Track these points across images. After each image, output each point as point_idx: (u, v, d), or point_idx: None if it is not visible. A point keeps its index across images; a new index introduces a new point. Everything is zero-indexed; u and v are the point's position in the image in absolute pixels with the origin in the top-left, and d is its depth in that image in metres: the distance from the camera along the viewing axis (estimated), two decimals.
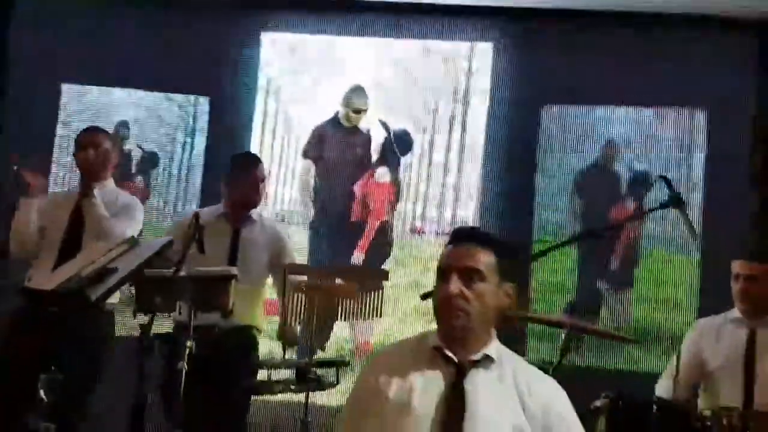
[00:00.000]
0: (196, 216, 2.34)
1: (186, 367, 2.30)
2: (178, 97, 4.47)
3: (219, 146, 4.21)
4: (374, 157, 4.55)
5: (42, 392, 2.26)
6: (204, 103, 4.41)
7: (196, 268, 2.39)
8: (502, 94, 4.30)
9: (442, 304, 1.59)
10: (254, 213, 3.07)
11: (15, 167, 2.75)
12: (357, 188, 4.51)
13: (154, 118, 4.48)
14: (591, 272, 4.00)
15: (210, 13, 4.25)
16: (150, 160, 4.52)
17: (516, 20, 4.24)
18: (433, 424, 1.52)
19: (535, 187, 4.13)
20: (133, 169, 4.54)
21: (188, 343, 2.36)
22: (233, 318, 2.63)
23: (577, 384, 1.88)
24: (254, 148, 4.33)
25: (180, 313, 2.46)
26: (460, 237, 1.67)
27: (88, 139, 2.91)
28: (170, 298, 2.35)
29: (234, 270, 2.45)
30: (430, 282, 1.81)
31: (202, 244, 2.31)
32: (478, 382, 1.58)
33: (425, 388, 1.56)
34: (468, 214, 4.43)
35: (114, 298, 2.70)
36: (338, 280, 2.89)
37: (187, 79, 4.30)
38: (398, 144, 4.53)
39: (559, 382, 1.67)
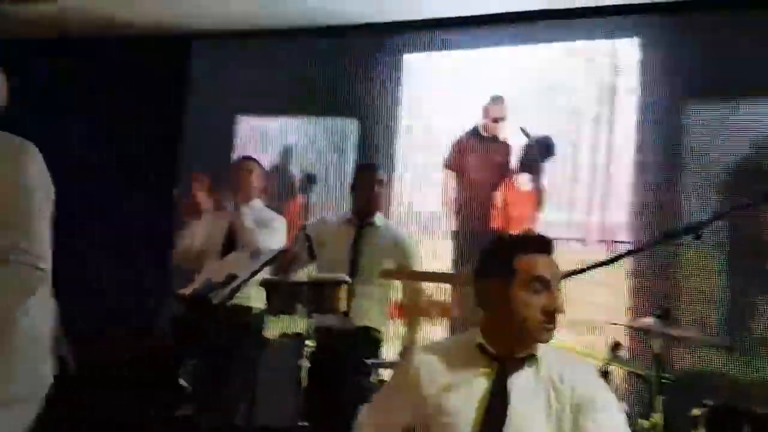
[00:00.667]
0: (303, 227, 2.62)
1: (307, 364, 2.58)
2: (331, 120, 4.85)
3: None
4: (515, 165, 4.59)
5: (182, 380, 2.68)
6: (353, 123, 4.75)
7: (315, 273, 2.68)
8: (650, 92, 4.11)
9: (545, 314, 1.62)
10: (378, 218, 3.26)
11: (177, 192, 3.25)
12: (498, 197, 4.56)
13: (312, 141, 4.91)
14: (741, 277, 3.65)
15: (356, 39, 4.58)
16: (309, 180, 4.95)
17: (661, 13, 4.04)
18: (474, 422, 1.58)
19: (683, 187, 3.89)
20: (296, 189, 4.99)
21: (308, 342, 2.64)
22: (352, 320, 2.87)
23: (678, 390, 1.83)
24: (399, 163, 4.57)
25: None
26: (544, 245, 1.71)
27: (240, 166, 3.42)
28: (291, 301, 2.65)
29: (345, 276, 2.70)
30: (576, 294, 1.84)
31: (312, 252, 2.59)
32: (520, 381, 1.62)
33: (467, 386, 1.63)
34: (617, 218, 4.26)
35: (260, 302, 3.05)
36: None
37: (338, 102, 4.66)
38: (540, 150, 4.50)
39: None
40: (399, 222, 4.32)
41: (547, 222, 4.32)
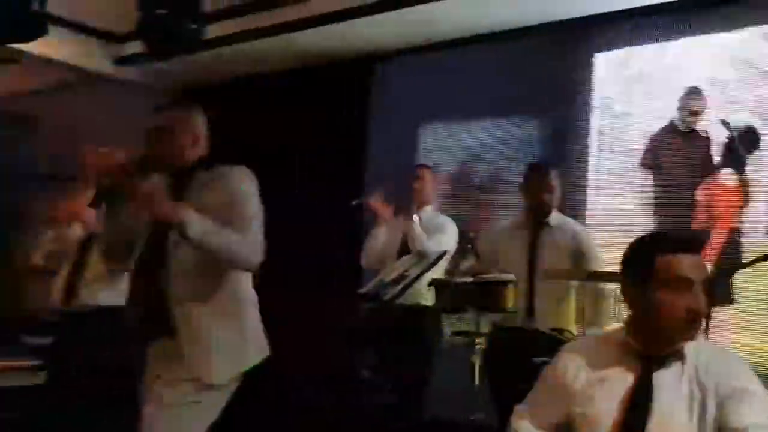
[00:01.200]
0: (467, 231, 2.77)
1: (478, 361, 2.73)
2: (521, 121, 4.82)
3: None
4: (717, 159, 4.24)
5: (364, 372, 2.96)
6: (543, 125, 4.70)
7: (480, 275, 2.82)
8: None
9: (687, 315, 1.60)
10: (553, 218, 3.22)
11: (359, 201, 3.57)
12: (700, 194, 4.25)
13: (501, 144, 4.91)
14: None
15: (545, 40, 4.52)
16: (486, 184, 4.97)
17: None
18: (618, 417, 1.60)
19: None
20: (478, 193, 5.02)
21: (478, 340, 2.78)
22: (533, 320, 2.93)
23: None
24: (592, 164, 4.44)
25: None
26: (690, 244, 1.70)
27: (412, 174, 3.66)
28: (459, 300, 2.81)
29: (511, 276, 2.78)
30: None
31: (476, 253, 2.72)
32: (665, 377, 1.61)
33: (612, 382, 1.65)
34: None
35: (427, 300, 3.24)
36: None
37: (527, 104, 4.63)
38: (743, 142, 4.14)
39: None
40: (595, 225, 4.22)
41: (752, 219, 3.96)
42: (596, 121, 4.52)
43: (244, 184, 2.27)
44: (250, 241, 2.15)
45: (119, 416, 2.46)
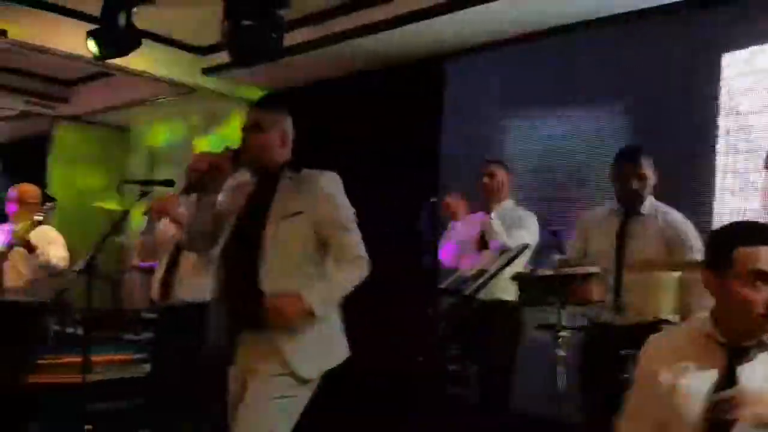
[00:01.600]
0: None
1: (562, 354, 2.71)
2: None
3: None
4: None
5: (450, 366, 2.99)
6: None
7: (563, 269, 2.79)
8: None
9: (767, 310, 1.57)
10: (646, 206, 3.05)
11: (433, 200, 3.60)
12: None
13: (592, 137, 4.67)
14: None
15: (666, 31, 4.12)
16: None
17: None
18: (704, 408, 1.58)
19: None
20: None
21: (561, 333, 2.76)
22: (629, 314, 2.87)
23: None
24: (719, 167, 4.02)
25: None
26: None
27: (485, 171, 3.64)
28: (542, 293, 2.80)
29: (595, 268, 2.74)
30: None
31: (560, 246, 2.71)
32: (749, 369, 1.58)
33: (696, 374, 1.63)
34: None
35: (509, 295, 3.22)
36: None
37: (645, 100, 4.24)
38: None
39: None
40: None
41: None
42: (722, 121, 4.06)
43: (332, 188, 2.35)
44: (356, 263, 2.26)
45: (213, 408, 2.58)
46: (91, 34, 4.06)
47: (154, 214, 3.31)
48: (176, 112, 6.58)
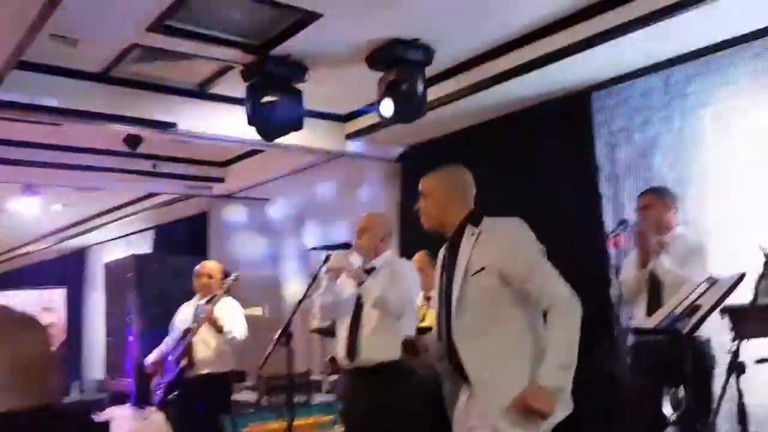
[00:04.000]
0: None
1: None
2: None
3: None
4: None
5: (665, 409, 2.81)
6: None
7: None
8: None
9: None
10: None
11: (614, 234, 3.47)
12: None
13: None
14: None
15: None
16: None
17: None
18: None
19: None
20: None
21: None
22: None
23: None
24: None
25: None
26: None
27: (642, 202, 3.50)
28: (762, 325, 2.60)
29: None
30: None
31: None
32: None
33: None
34: None
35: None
36: None
37: None
38: None
39: None
40: None
41: None
42: None
43: (513, 234, 2.36)
44: (570, 306, 2.21)
45: None
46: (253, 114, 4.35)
47: (332, 273, 3.41)
48: (323, 177, 6.86)
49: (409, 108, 4.15)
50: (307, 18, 3.80)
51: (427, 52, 4.19)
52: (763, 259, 2.71)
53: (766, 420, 3.00)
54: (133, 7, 3.65)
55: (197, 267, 4.79)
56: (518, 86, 4.56)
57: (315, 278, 3.37)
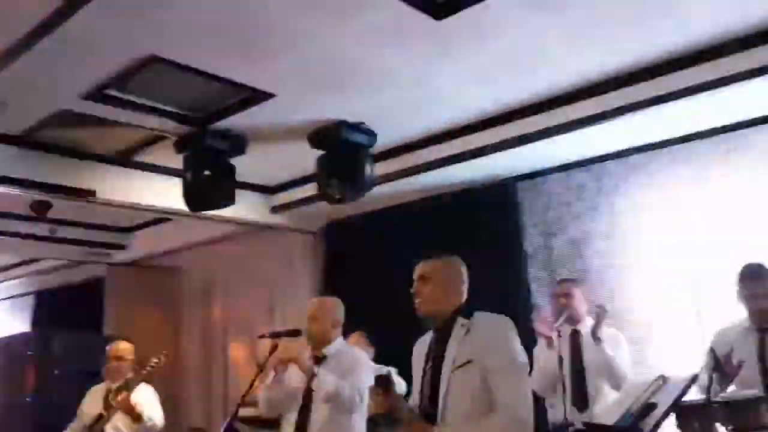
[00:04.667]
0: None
1: None
2: None
3: None
4: None
5: None
6: None
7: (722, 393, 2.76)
8: None
9: None
10: None
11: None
12: None
13: None
14: None
15: None
16: None
17: None
18: None
19: None
20: None
21: None
22: None
23: None
24: None
25: None
26: None
27: (557, 292, 3.78)
28: (706, 422, 2.74)
29: (756, 391, 2.72)
30: None
31: (720, 368, 2.70)
32: None
33: None
34: None
35: None
36: None
37: None
38: None
39: None
40: None
41: None
42: None
43: (501, 333, 2.39)
44: (510, 421, 2.27)
45: None
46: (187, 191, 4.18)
47: (281, 365, 3.23)
48: (238, 248, 6.64)
49: (355, 187, 4.16)
50: (260, 97, 3.75)
51: (370, 136, 4.24)
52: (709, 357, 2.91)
53: None
54: (75, 75, 3.44)
55: (108, 348, 4.42)
56: (447, 174, 4.72)
57: (261, 368, 3.19)
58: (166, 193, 4.47)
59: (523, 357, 2.40)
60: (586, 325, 3.70)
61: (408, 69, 3.52)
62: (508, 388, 2.29)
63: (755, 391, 2.83)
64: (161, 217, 6.10)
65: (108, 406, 4.19)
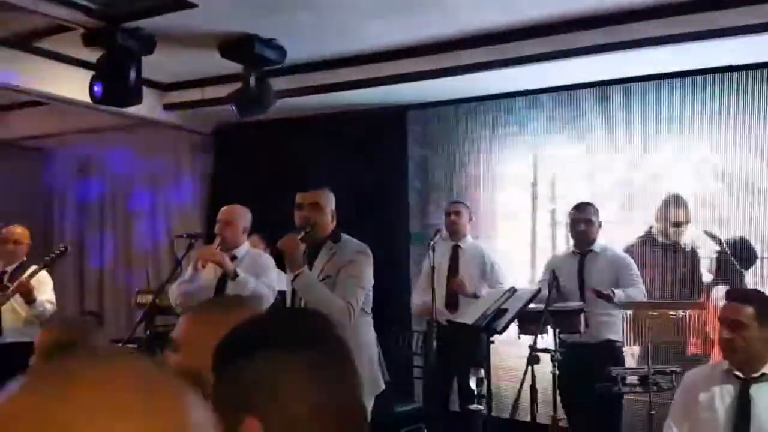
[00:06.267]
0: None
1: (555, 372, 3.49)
2: None
3: None
4: (707, 276, 4.22)
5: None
6: None
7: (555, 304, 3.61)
8: None
9: None
10: (597, 246, 4.02)
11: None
12: (690, 316, 4.14)
13: None
14: None
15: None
16: None
17: None
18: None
19: None
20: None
21: (555, 355, 3.53)
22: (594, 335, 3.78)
23: None
24: None
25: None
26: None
27: (449, 210, 4.49)
28: (541, 326, 3.55)
29: (582, 304, 3.59)
30: None
31: (558, 286, 3.54)
32: (759, 393, 2.35)
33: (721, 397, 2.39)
34: None
35: None
36: None
37: None
38: (738, 257, 4.03)
39: None
40: None
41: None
42: None
43: (357, 257, 3.01)
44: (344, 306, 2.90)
45: None
46: (96, 82, 4.22)
47: (202, 263, 3.50)
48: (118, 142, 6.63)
49: (258, 102, 4.46)
50: (182, 4, 3.86)
51: (281, 53, 4.50)
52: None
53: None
54: None
55: (3, 231, 4.48)
56: (345, 96, 5.11)
57: (179, 263, 3.54)
58: (68, 82, 4.46)
59: (367, 281, 3.04)
60: (467, 240, 4.49)
61: None
62: (349, 285, 2.95)
63: (580, 303, 3.71)
64: (37, 101, 5.90)
65: (3, 287, 4.32)
